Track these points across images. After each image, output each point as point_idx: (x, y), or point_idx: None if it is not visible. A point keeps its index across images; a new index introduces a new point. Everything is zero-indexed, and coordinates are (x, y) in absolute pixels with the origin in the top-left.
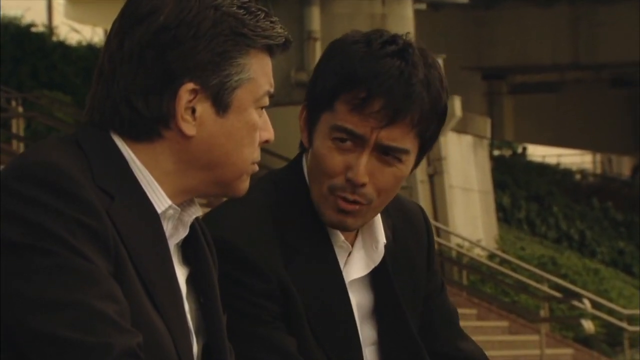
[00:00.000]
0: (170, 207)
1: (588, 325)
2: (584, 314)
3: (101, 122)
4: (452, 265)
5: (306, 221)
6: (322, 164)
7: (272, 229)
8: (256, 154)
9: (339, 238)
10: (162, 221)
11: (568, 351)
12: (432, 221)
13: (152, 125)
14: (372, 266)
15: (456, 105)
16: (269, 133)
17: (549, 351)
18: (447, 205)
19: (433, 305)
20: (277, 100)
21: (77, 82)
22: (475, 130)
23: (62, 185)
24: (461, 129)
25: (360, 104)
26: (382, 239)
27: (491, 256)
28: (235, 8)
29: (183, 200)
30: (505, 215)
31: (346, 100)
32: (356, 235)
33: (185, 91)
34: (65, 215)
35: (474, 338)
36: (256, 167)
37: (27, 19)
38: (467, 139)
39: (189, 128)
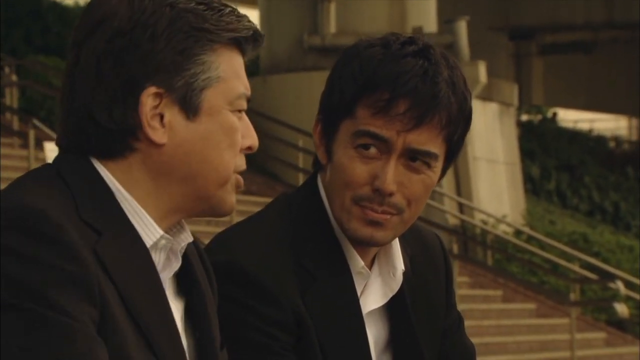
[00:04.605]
0: (162, 237)
1: (621, 308)
2: (617, 295)
3: (70, 146)
4: (476, 244)
5: (324, 245)
6: (344, 175)
7: (288, 254)
8: (240, 162)
9: (358, 264)
10: (154, 253)
11: (600, 335)
12: (454, 196)
13: (120, 138)
14: (390, 295)
15: (481, 71)
16: (251, 139)
17: (579, 335)
18: (471, 179)
19: (450, 342)
20: (288, 67)
21: None
22: (501, 97)
23: (43, 231)
24: (486, 96)
25: (384, 106)
26: (400, 266)
27: (518, 233)
28: (194, 4)
29: (171, 224)
30: (533, 187)
31: (368, 104)
32: (372, 262)
33: (148, 96)
34: (45, 264)
35: (498, 322)
36: (241, 180)
37: None
38: (493, 107)
39: (158, 136)
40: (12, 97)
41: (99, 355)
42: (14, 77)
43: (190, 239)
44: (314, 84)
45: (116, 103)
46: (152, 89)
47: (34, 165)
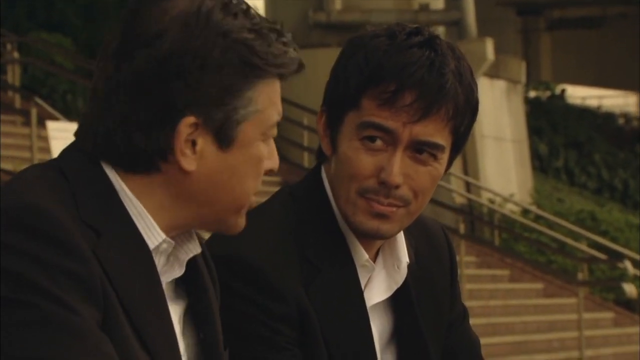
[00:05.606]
0: (164, 241)
1: (630, 288)
2: (625, 275)
3: (93, 150)
4: (483, 223)
5: (328, 237)
6: (349, 167)
7: (292, 246)
8: (259, 185)
9: (363, 257)
10: (155, 256)
11: (608, 315)
12: (461, 175)
13: (149, 158)
14: (395, 288)
15: (488, 48)
16: (273, 162)
17: (587, 315)
18: (478, 157)
19: (455, 335)
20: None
21: (78, 22)
22: (508, 75)
23: (47, 230)
24: (494, 73)
25: (390, 97)
26: (404, 258)
27: (525, 212)
28: (245, 32)
29: (176, 234)
30: (541, 164)
31: (374, 96)
32: (377, 254)
33: (186, 125)
34: (49, 263)
35: (505, 302)
36: (254, 201)
37: None
38: (500, 84)
39: (188, 163)
40: (14, 75)
41: (109, 351)
42: (16, 54)
43: (198, 251)
44: (318, 61)
45: (153, 125)
46: (191, 119)
47: (36, 143)
